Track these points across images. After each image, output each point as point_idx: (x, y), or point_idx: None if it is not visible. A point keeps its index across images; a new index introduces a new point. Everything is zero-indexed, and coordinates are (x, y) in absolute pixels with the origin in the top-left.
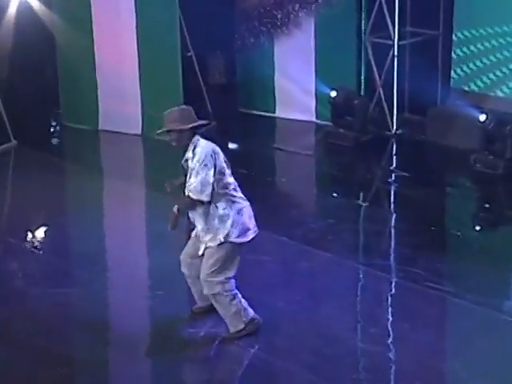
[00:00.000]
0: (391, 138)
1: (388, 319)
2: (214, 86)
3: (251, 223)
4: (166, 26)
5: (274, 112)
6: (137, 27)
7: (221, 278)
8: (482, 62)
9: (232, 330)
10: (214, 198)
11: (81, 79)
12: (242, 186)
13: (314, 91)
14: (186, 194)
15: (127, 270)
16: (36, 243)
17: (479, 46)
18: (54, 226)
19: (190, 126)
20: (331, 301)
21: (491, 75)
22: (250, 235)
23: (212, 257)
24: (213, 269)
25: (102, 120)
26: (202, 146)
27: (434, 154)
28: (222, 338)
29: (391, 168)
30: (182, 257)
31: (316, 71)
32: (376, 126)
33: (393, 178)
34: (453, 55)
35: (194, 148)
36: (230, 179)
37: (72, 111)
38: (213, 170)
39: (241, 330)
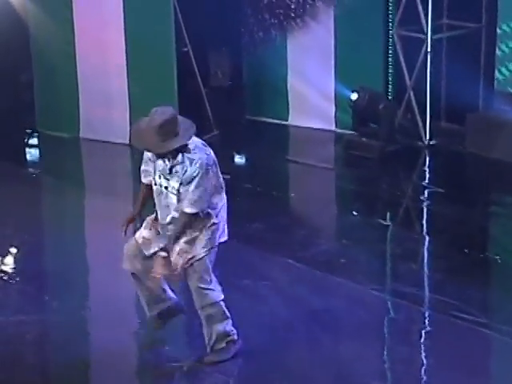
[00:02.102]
0: (423, 149)
1: (410, 355)
2: (217, 89)
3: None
4: (159, 17)
5: (287, 119)
6: (124, 18)
7: (213, 285)
8: None
9: (213, 343)
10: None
11: (59, 79)
12: (245, 200)
13: (333, 95)
14: (182, 209)
15: (105, 295)
16: (5, 266)
17: None
18: (26, 247)
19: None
20: (341, 333)
21: None
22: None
23: (204, 265)
24: (206, 277)
25: (84, 127)
26: (199, 148)
27: (474, 168)
28: (203, 362)
29: (423, 183)
30: (128, 253)
31: (336, 71)
32: (405, 135)
33: (425, 195)
34: (497, 52)
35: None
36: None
37: (49, 116)
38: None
39: (223, 350)
